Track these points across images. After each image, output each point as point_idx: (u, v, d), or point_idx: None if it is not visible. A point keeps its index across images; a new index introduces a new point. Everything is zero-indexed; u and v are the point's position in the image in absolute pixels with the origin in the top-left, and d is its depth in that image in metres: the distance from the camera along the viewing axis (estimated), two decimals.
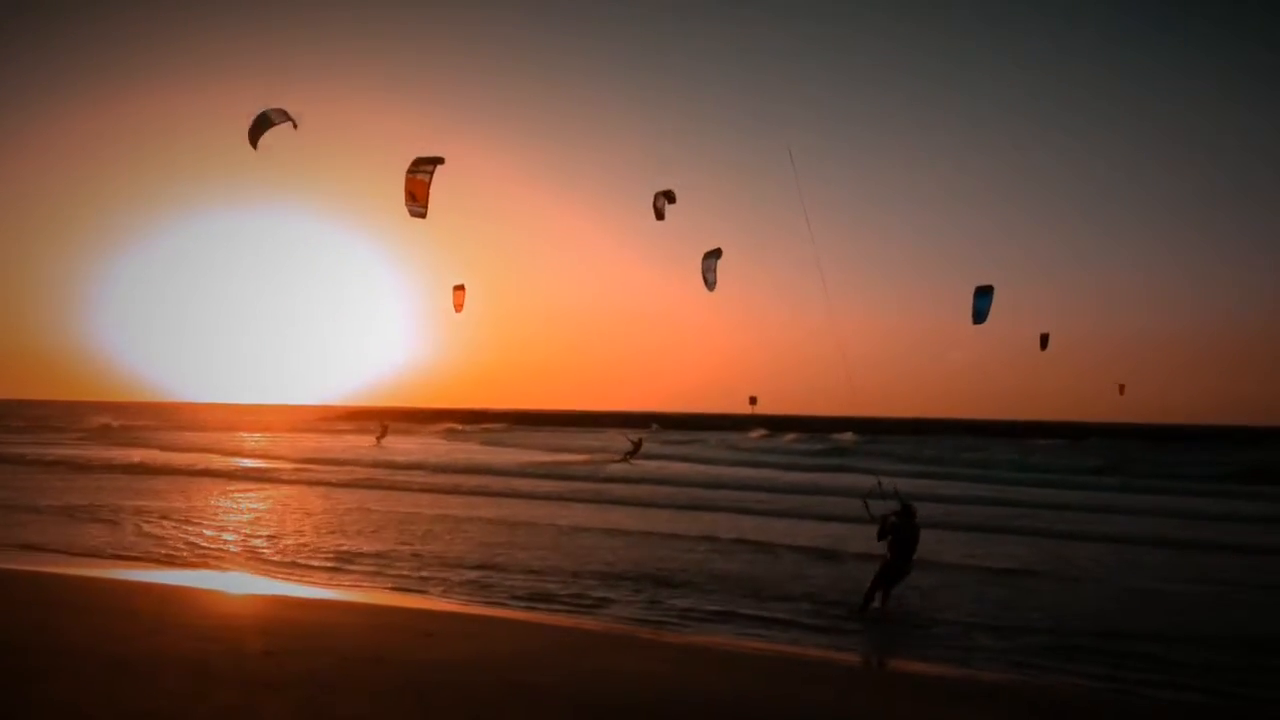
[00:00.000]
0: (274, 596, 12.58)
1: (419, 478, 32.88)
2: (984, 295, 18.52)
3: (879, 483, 13.36)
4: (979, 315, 18.47)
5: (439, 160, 14.75)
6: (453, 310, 21.33)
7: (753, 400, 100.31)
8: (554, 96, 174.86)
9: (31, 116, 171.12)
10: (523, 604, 12.44)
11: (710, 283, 18.64)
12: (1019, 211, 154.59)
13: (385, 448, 54.39)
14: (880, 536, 12.48)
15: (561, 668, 8.78)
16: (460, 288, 21.49)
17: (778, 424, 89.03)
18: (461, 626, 10.68)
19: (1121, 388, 31.36)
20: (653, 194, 18.65)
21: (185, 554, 16.06)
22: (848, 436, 69.42)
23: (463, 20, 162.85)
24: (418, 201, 14.79)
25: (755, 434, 77.08)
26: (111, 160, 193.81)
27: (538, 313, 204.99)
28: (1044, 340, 25.47)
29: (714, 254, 18.61)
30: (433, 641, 9.50)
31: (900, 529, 12.30)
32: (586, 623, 11.49)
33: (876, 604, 12.28)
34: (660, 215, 18.65)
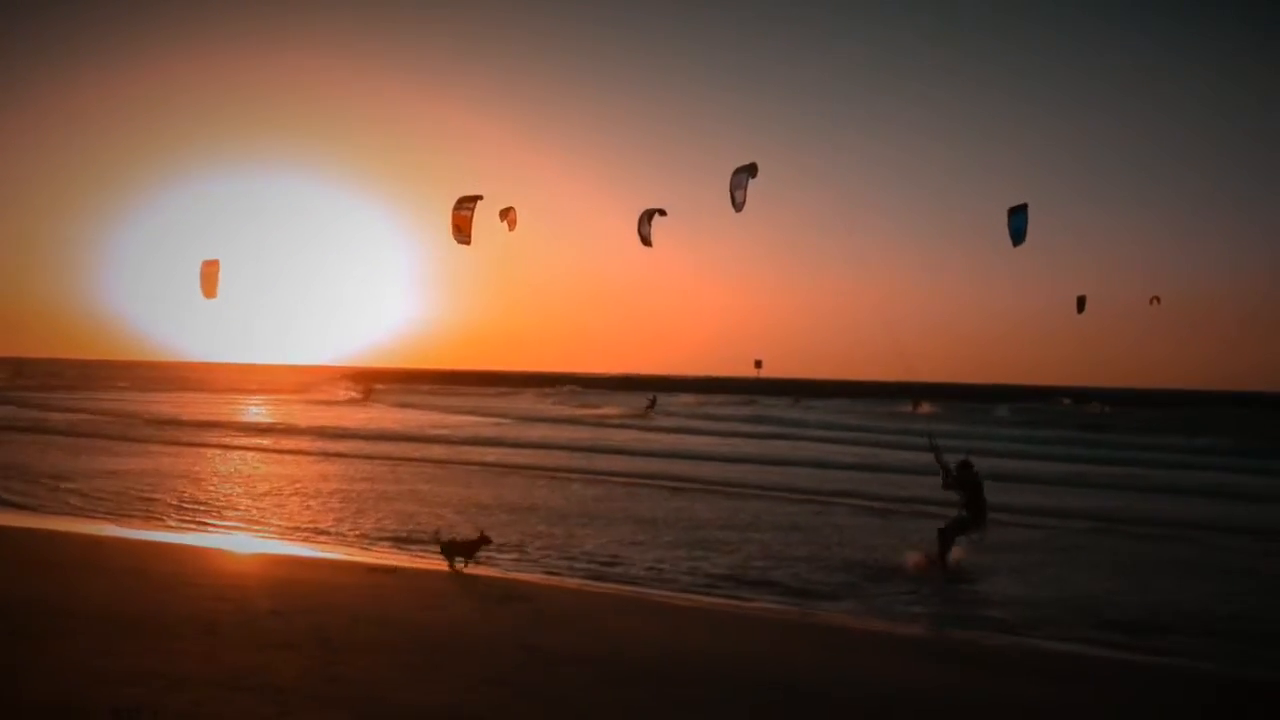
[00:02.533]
0: (281, 556, 12.67)
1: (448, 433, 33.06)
2: (1019, 214, 17.13)
3: (932, 442, 13.80)
4: (1017, 235, 17.08)
5: (479, 198, 17.15)
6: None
7: (758, 364, 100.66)
8: (551, 63, 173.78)
9: (38, 85, 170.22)
10: (534, 568, 12.49)
11: (738, 202, 16.87)
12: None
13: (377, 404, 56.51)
14: (945, 485, 13.16)
15: (574, 630, 8.82)
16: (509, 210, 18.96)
17: (786, 388, 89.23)
18: (470, 587, 10.73)
19: (1156, 299, 30.14)
20: (642, 214, 17.28)
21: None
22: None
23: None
24: (463, 233, 17.22)
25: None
26: (117, 127, 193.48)
27: (541, 278, 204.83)
28: (1080, 303, 24.88)
29: (746, 169, 16.74)
30: (442, 602, 9.55)
31: (966, 481, 12.88)
32: (598, 585, 11.54)
33: (948, 549, 12.76)
34: (646, 241, 17.92)
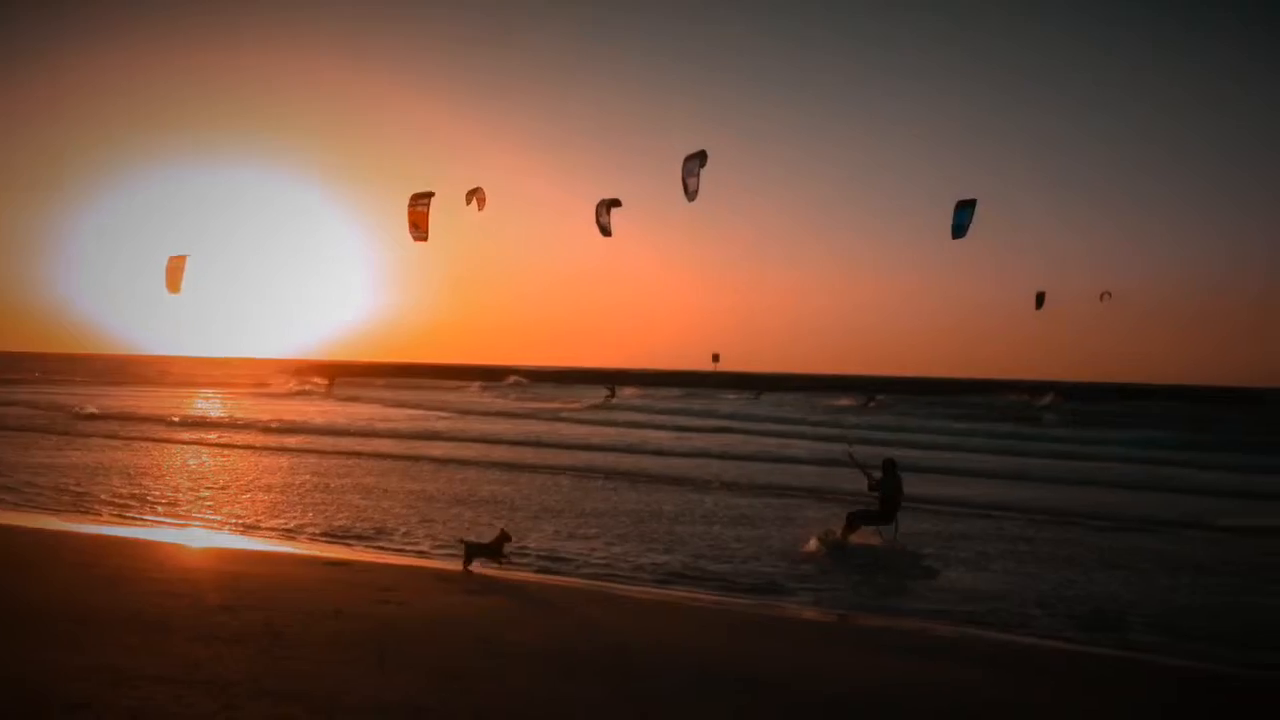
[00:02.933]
0: (233, 551, 12.53)
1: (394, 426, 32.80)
2: (964, 210, 17.34)
3: (850, 455, 15.31)
4: (958, 230, 17.37)
5: (431, 194, 17.62)
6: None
7: (715, 358, 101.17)
8: (514, 55, 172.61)
9: None
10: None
11: (691, 190, 16.55)
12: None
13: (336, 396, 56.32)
14: (871, 488, 14.34)
15: (530, 623, 8.83)
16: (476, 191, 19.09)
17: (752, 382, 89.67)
18: (422, 582, 10.70)
19: (1105, 294, 30.47)
20: (599, 204, 17.19)
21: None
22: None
23: None
24: (420, 229, 17.59)
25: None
26: (68, 116, 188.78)
27: (501, 272, 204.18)
28: (1040, 299, 25.15)
29: (697, 157, 16.56)
30: (392, 596, 9.51)
31: (886, 483, 14.15)
32: (553, 579, 11.54)
33: (853, 531, 13.97)
34: (606, 231, 17.82)
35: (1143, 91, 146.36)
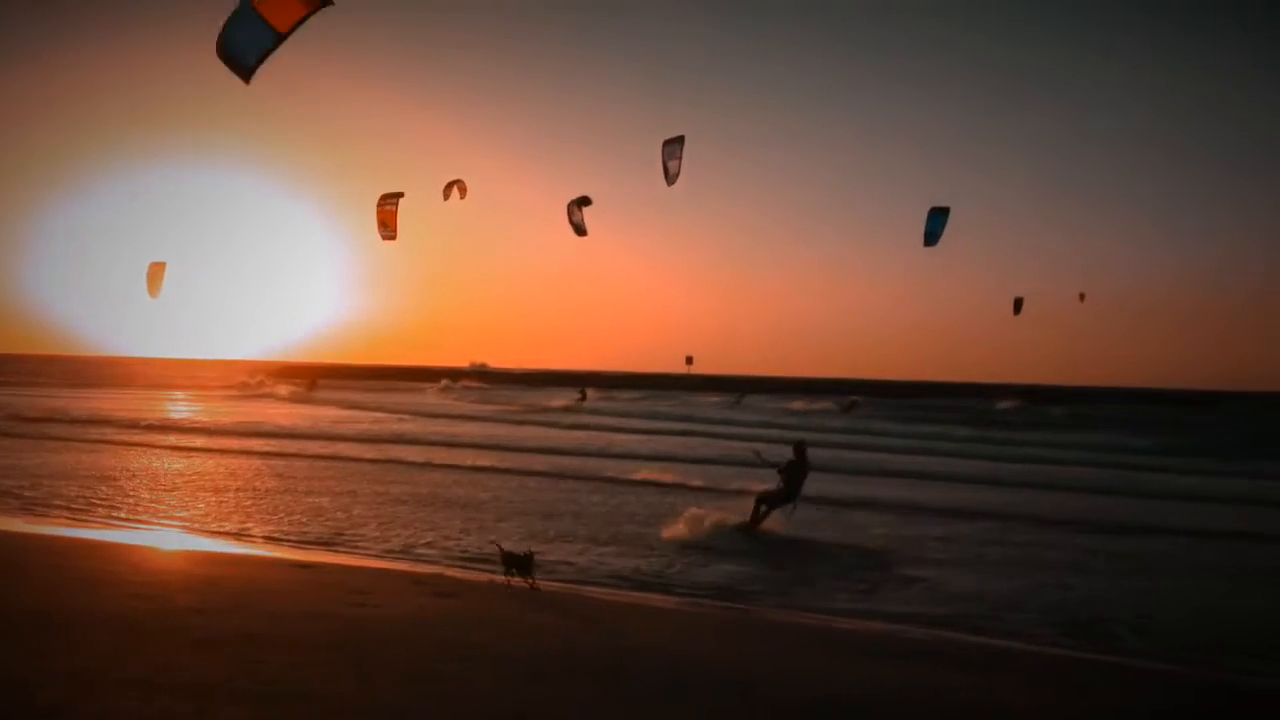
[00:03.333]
0: (205, 554, 12.48)
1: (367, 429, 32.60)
2: (937, 216, 17.25)
3: (758, 454, 16.23)
4: (931, 237, 17.22)
5: (400, 194, 17.99)
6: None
7: (689, 360, 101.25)
8: (491, 57, 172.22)
9: None
10: (457, 563, 12.49)
11: (671, 173, 16.20)
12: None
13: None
14: (780, 472, 15.35)
15: (496, 625, 8.86)
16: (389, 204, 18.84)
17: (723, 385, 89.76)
18: (394, 585, 10.70)
19: (1082, 296, 30.98)
20: (569, 203, 17.44)
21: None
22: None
23: None
24: (389, 228, 18.08)
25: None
26: (45, 115, 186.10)
27: (479, 273, 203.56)
28: (1018, 304, 25.33)
29: (677, 140, 16.24)
30: (365, 598, 9.51)
31: (794, 467, 15.19)
32: (517, 580, 11.56)
33: (762, 517, 15.11)
34: (580, 230, 17.85)
35: (1140, 93, 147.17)
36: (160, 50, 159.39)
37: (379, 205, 18.19)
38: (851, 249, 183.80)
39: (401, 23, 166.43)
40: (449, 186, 19.06)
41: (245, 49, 8.54)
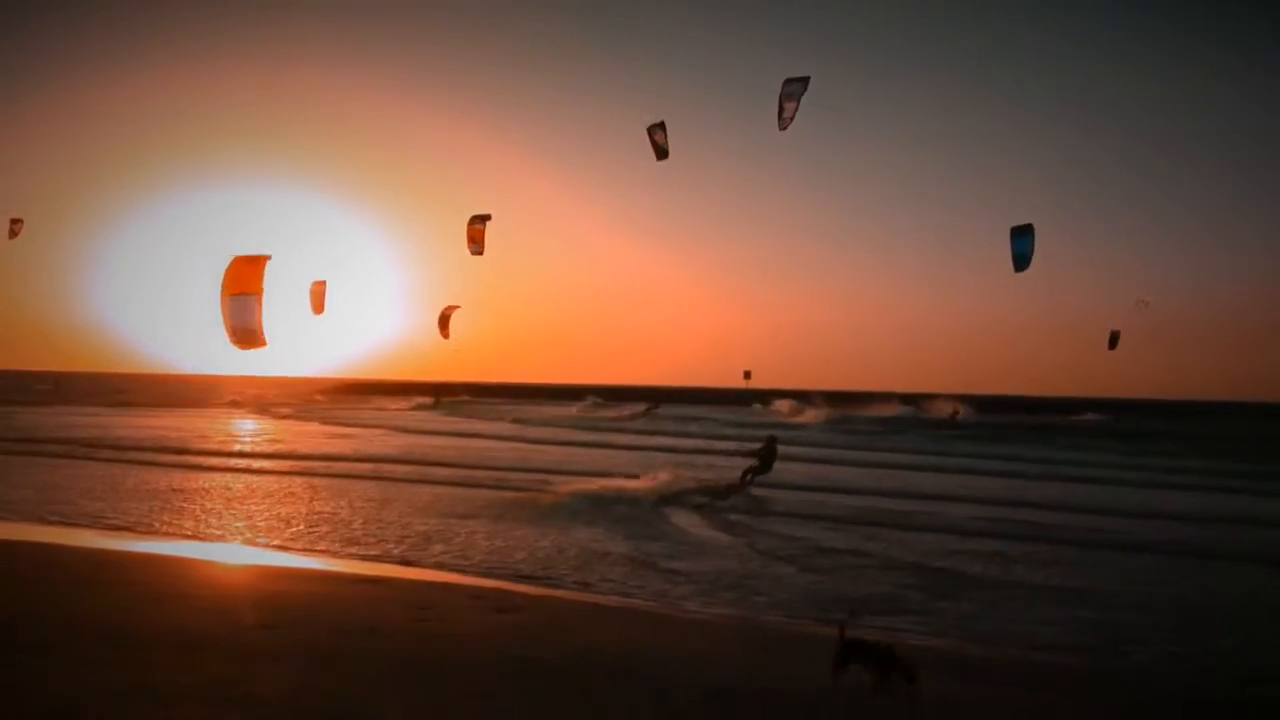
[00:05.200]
0: (269, 568, 12.59)
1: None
2: (1022, 237, 15.75)
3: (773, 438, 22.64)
4: (1021, 260, 15.73)
5: (488, 216, 21.03)
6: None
7: (747, 374, 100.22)
8: (542, 76, 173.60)
9: (27, 95, 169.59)
10: (520, 578, 12.41)
11: (786, 116, 15.05)
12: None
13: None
14: (761, 452, 21.88)
15: (562, 642, 8.75)
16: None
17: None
18: (456, 599, 10.66)
19: (1144, 303, 26.74)
20: (650, 126, 16.79)
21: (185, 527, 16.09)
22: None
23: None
24: (477, 243, 20.93)
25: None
26: (107, 138, 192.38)
27: (530, 289, 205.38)
28: (1114, 339, 23.25)
29: (801, 80, 15.26)
30: (432, 613, 9.49)
31: (768, 449, 21.88)
32: (588, 596, 11.47)
33: (748, 484, 21.19)
34: (663, 153, 16.93)
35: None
36: (220, 69, 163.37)
37: (470, 225, 21.08)
38: (908, 260, 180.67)
39: (464, 47, 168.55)
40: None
41: None
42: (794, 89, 15.03)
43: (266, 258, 12.42)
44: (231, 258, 12.55)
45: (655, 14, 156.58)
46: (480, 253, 20.93)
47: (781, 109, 15.14)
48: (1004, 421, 64.69)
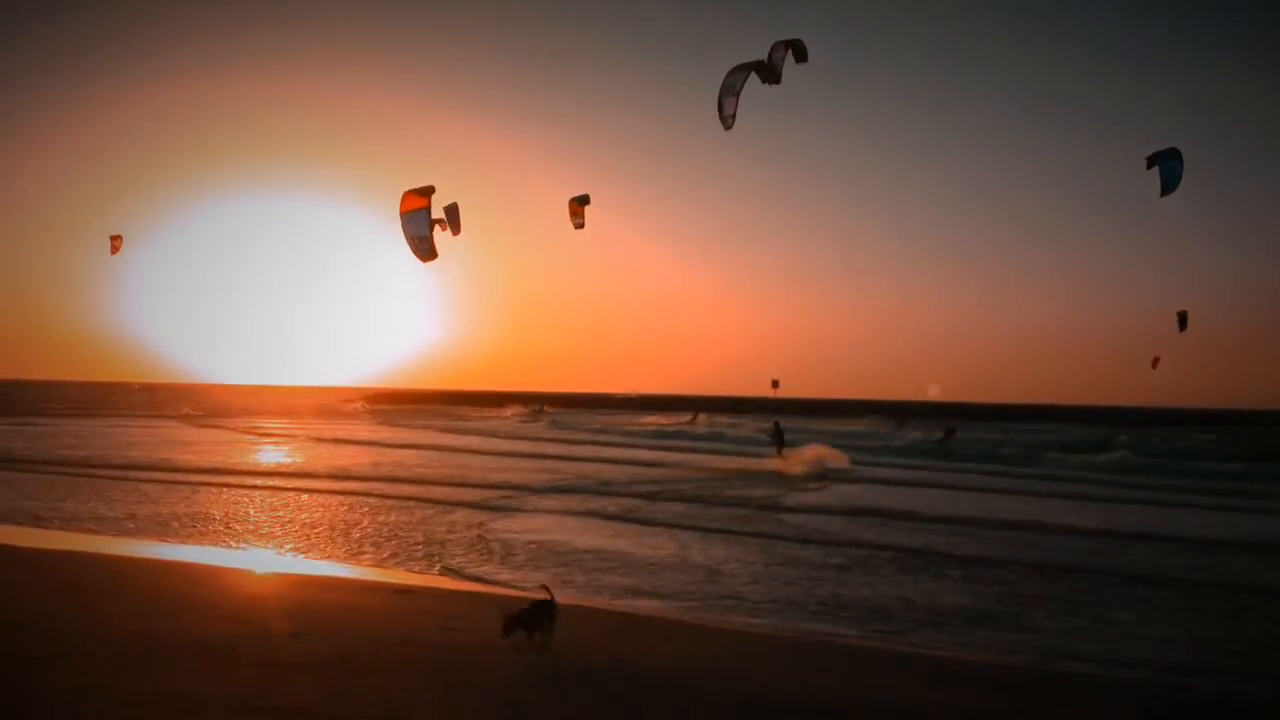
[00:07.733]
0: (300, 577, 12.59)
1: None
2: (1170, 159, 14.02)
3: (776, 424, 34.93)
4: (1170, 181, 14.03)
5: (588, 198, 18.32)
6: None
7: (775, 384, 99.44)
8: (569, 83, 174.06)
9: (50, 106, 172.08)
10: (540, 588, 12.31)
11: (726, 115, 12.88)
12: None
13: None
14: (771, 435, 34.62)
15: (593, 653, 8.67)
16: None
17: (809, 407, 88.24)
18: (484, 610, 10.60)
19: (1156, 361, 26.11)
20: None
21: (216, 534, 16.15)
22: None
23: (481, 8, 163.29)
24: (579, 217, 18.29)
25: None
26: (134, 148, 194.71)
27: (555, 298, 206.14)
28: (1182, 319, 22.37)
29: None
30: (463, 624, 9.42)
31: (779, 429, 34.26)
32: (615, 605, 11.38)
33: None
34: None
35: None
36: (254, 81, 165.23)
37: (570, 204, 18.91)
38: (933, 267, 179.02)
39: (489, 55, 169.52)
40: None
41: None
42: (734, 83, 12.80)
43: (432, 188, 13.35)
44: (402, 192, 13.39)
45: (682, 21, 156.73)
46: (582, 226, 19.08)
47: (720, 106, 12.90)
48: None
